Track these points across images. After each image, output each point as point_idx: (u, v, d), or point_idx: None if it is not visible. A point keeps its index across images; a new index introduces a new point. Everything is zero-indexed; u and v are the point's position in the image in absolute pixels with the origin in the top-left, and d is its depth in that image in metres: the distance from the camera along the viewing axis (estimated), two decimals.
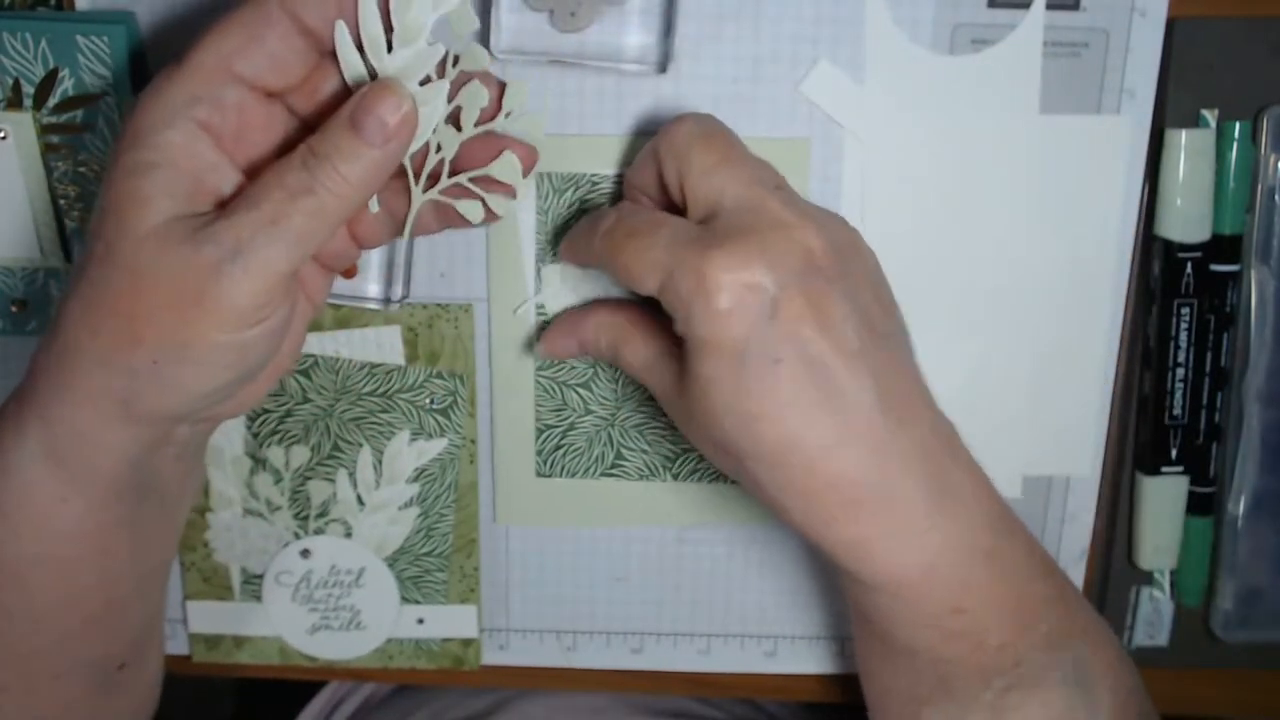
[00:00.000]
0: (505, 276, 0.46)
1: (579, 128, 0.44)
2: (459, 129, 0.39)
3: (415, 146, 0.38)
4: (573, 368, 0.47)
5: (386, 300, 0.45)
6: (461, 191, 0.40)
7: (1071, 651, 0.39)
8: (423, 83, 0.37)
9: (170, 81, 0.35)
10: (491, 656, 0.52)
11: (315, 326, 0.47)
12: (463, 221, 0.41)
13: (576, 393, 0.48)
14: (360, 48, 0.37)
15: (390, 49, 0.37)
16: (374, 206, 0.38)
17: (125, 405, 0.36)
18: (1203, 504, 0.48)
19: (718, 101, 0.44)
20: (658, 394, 0.41)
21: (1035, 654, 0.39)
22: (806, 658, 0.51)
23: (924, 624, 0.39)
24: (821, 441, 0.37)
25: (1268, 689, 0.52)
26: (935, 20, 0.43)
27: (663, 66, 0.43)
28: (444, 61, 0.38)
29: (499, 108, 0.40)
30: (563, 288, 0.46)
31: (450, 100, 0.38)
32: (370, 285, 0.45)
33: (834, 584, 0.50)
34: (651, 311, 0.41)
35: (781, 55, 0.43)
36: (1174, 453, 0.47)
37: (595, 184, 0.45)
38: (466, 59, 0.38)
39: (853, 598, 0.41)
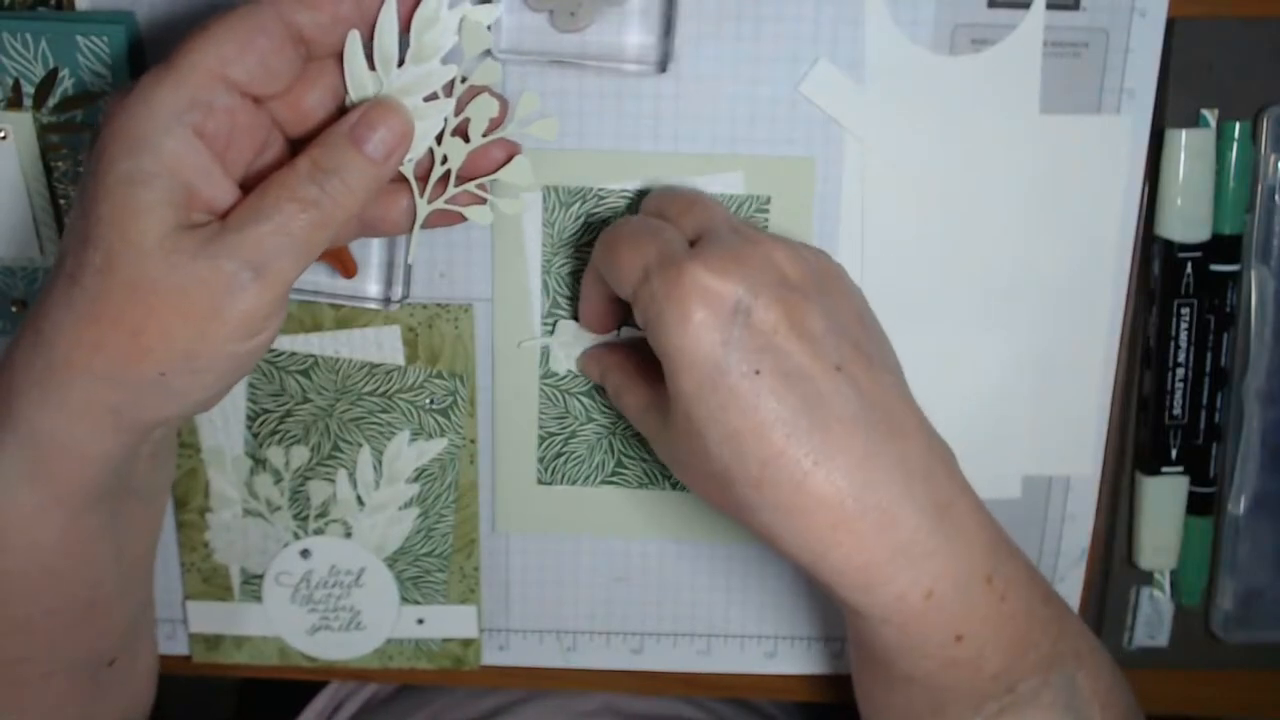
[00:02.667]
0: (509, 290, 0.46)
1: (579, 128, 0.44)
2: (466, 140, 0.39)
3: (415, 156, 0.38)
4: (575, 376, 0.47)
5: (386, 300, 0.45)
6: (470, 198, 0.40)
7: (1066, 675, 0.39)
8: (427, 98, 0.38)
9: (161, 86, 0.34)
10: (491, 657, 0.52)
11: (315, 327, 0.47)
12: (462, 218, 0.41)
13: (579, 400, 0.48)
14: (369, 59, 0.37)
15: (400, 63, 0.37)
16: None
17: (117, 415, 0.36)
18: (1203, 504, 0.48)
19: (718, 101, 0.44)
20: (651, 438, 0.41)
21: (1030, 678, 0.39)
22: (806, 658, 0.51)
23: (925, 653, 0.38)
24: (807, 455, 0.36)
25: (1268, 689, 0.52)
26: (935, 20, 0.43)
27: (663, 66, 0.43)
28: (452, 80, 0.38)
29: (503, 118, 0.40)
30: (575, 344, 0.47)
31: (458, 113, 0.39)
32: (370, 285, 0.45)
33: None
34: (653, 362, 0.41)
35: (781, 55, 0.43)
36: (1174, 453, 0.47)
37: (602, 198, 0.45)
38: (478, 75, 0.38)
39: (852, 627, 0.40)
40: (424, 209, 0.40)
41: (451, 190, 0.40)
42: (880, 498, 0.36)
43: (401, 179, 0.39)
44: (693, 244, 0.38)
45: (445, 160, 0.39)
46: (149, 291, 0.34)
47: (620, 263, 0.38)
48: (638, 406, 0.42)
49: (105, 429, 0.36)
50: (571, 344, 0.47)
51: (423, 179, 0.40)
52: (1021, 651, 0.39)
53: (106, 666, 0.42)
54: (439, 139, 0.39)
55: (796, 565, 0.38)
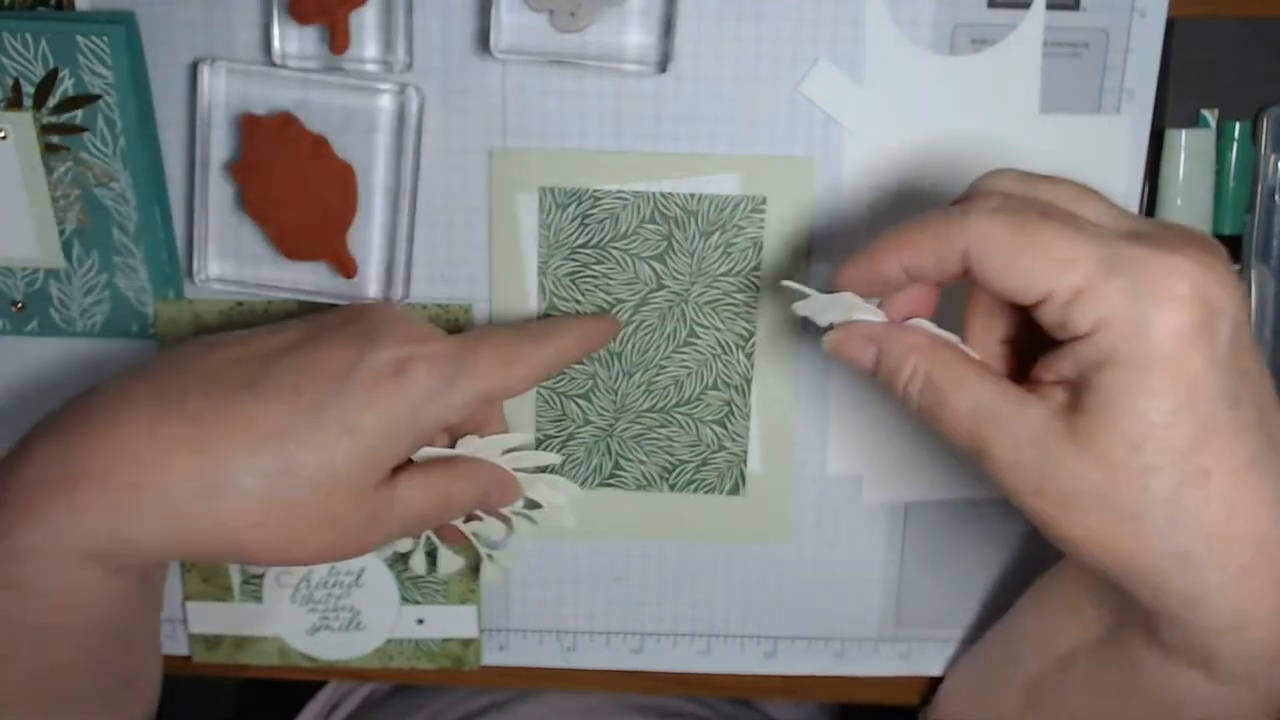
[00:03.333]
0: (506, 291, 0.46)
1: (579, 128, 0.44)
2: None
3: None
4: (572, 379, 0.47)
5: (386, 300, 0.45)
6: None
7: None
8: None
9: (475, 394, 0.40)
10: (491, 657, 0.52)
11: None
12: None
13: (576, 403, 0.48)
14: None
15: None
16: None
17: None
18: None
19: (718, 101, 0.44)
20: (1001, 455, 0.33)
21: None
22: (806, 658, 0.51)
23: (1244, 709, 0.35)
24: (1273, 510, 0.31)
25: None
26: (935, 20, 0.43)
27: (663, 66, 0.43)
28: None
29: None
30: (829, 313, 0.38)
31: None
32: (370, 285, 0.46)
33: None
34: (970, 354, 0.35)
35: (781, 55, 0.43)
36: None
37: (597, 199, 0.45)
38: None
39: (1150, 671, 0.37)
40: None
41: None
42: None
43: None
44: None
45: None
46: (312, 516, 0.38)
47: (1050, 251, 0.31)
48: (974, 406, 0.33)
49: (175, 551, 0.39)
50: (825, 313, 0.38)
51: None
52: None
53: (121, 688, 0.43)
54: None
55: (1176, 615, 0.33)
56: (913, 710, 0.52)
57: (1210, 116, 0.44)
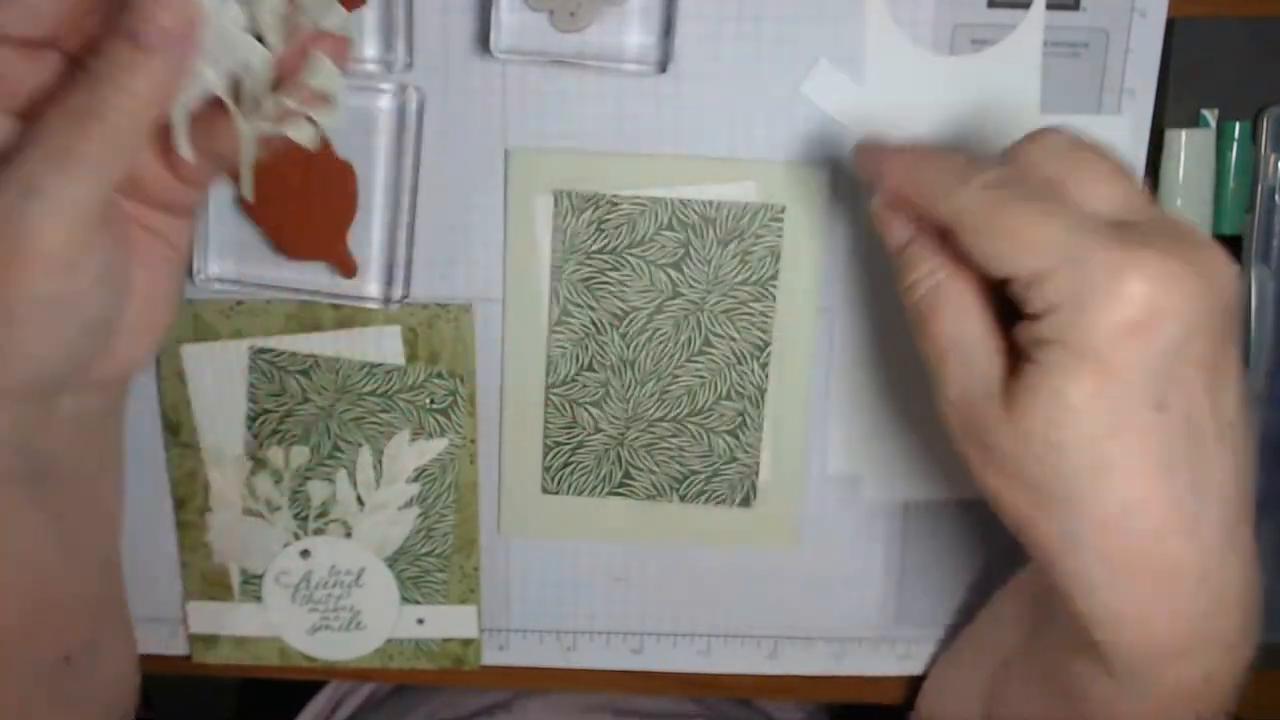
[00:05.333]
0: (519, 292, 0.46)
1: (579, 128, 0.44)
2: (266, 46, 0.34)
3: (222, 66, 0.34)
4: (584, 386, 0.47)
5: (386, 300, 0.45)
6: (288, 113, 0.35)
7: None
8: None
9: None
10: (491, 656, 0.52)
11: (315, 326, 0.47)
12: (297, 148, 0.36)
13: (587, 410, 0.48)
14: None
15: None
16: (186, 152, 0.34)
17: None
18: None
19: (718, 102, 0.44)
20: (952, 388, 0.35)
21: None
22: (806, 658, 0.51)
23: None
24: (1170, 518, 0.32)
25: (1268, 689, 0.52)
26: (935, 20, 0.43)
27: (663, 66, 0.43)
28: None
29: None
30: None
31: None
32: (370, 285, 0.46)
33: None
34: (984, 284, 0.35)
35: (781, 55, 0.43)
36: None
37: (615, 204, 0.45)
38: None
39: (1067, 666, 0.37)
40: (247, 133, 0.34)
41: (267, 106, 0.34)
42: (1228, 582, 0.33)
43: (221, 107, 0.34)
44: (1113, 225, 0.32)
45: (247, 70, 0.34)
46: None
47: (1019, 234, 0.32)
48: (956, 335, 0.35)
49: None
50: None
51: (235, 99, 0.34)
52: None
53: (64, 663, 0.40)
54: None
55: (1067, 597, 0.34)
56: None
57: (1210, 116, 0.44)
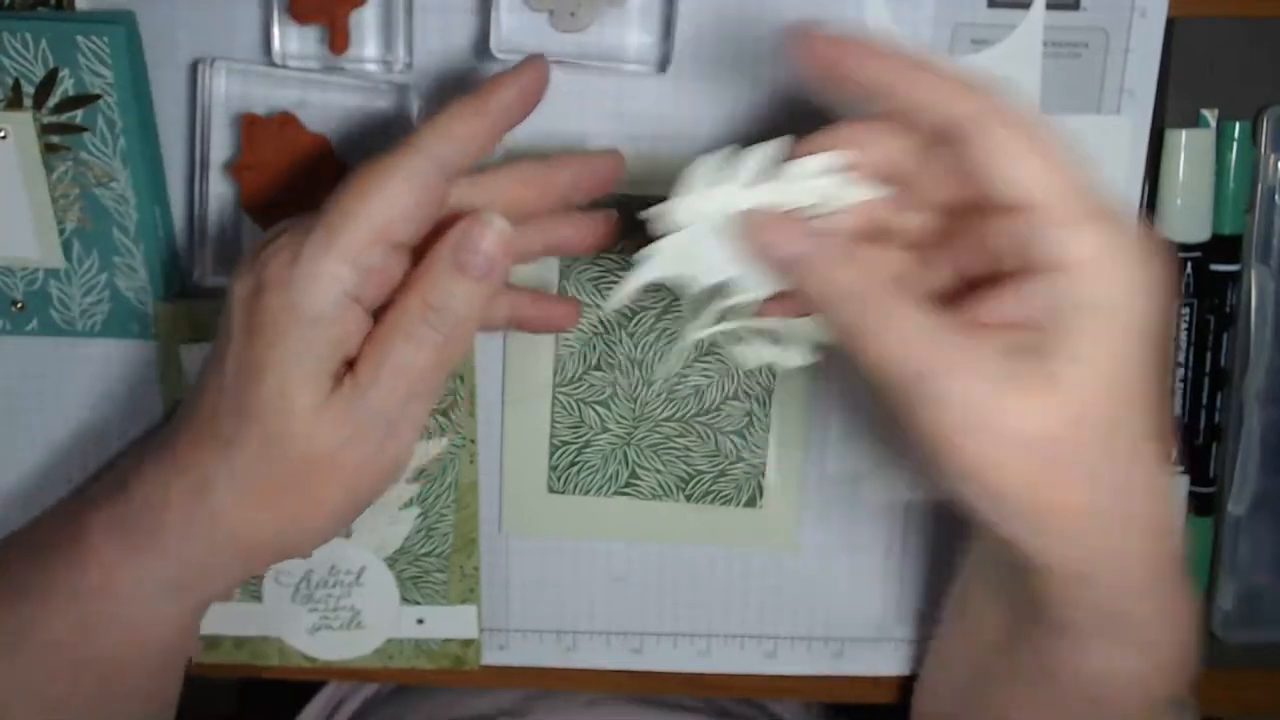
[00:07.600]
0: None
1: (580, 129, 0.44)
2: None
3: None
4: (591, 385, 0.47)
5: None
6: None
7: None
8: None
9: (328, 258, 0.35)
10: (491, 656, 0.52)
11: None
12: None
13: (594, 410, 0.48)
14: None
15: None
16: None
17: (250, 561, 0.40)
18: (1203, 504, 0.48)
19: (718, 102, 0.44)
20: (943, 384, 0.32)
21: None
22: (806, 658, 0.51)
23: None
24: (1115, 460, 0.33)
25: (1268, 689, 0.52)
26: (935, 20, 0.43)
27: (663, 66, 0.43)
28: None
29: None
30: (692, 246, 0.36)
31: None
32: None
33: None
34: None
35: (781, 55, 0.43)
36: (1174, 453, 0.47)
37: (621, 204, 0.45)
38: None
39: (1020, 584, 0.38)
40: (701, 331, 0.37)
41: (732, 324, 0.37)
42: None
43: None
44: None
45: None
46: (315, 465, 0.36)
47: (1058, 161, 0.31)
48: (918, 335, 0.32)
49: (239, 572, 0.40)
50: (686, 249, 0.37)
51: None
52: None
53: (161, 713, 0.44)
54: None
55: (981, 517, 0.34)
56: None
57: (1210, 116, 0.44)
